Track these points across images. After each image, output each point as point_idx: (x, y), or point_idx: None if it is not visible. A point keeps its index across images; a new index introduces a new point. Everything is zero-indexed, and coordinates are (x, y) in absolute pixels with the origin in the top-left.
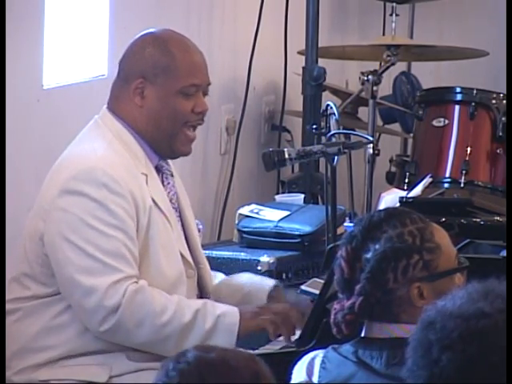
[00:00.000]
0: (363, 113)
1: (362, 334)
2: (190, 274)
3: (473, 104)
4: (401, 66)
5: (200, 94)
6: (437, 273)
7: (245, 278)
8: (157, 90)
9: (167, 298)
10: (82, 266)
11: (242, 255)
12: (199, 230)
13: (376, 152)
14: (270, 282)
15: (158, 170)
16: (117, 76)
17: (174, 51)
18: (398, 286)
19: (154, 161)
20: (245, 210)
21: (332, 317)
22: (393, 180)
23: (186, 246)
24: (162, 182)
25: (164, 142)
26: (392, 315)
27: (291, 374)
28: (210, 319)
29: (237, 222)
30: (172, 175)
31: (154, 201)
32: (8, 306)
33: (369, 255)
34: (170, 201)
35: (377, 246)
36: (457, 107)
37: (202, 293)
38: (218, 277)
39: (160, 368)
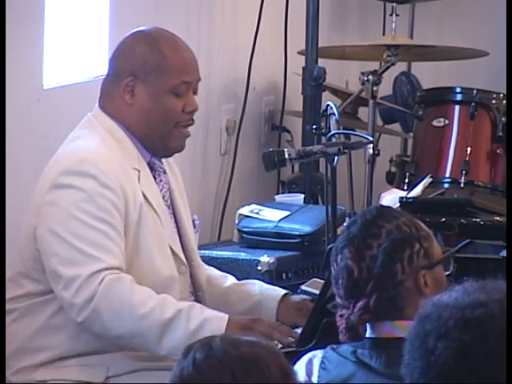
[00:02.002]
0: (363, 113)
1: None
2: (182, 271)
3: (473, 104)
4: (401, 66)
5: (190, 93)
6: (435, 260)
7: (255, 286)
8: (147, 89)
9: (149, 293)
10: (64, 258)
11: (242, 255)
12: (195, 226)
13: (376, 152)
14: (280, 292)
15: (151, 166)
16: (107, 74)
17: (164, 49)
18: (405, 276)
19: (147, 157)
20: (245, 210)
21: (343, 323)
22: (393, 180)
23: (178, 242)
24: (155, 179)
25: (156, 140)
26: (396, 311)
27: None
28: (195, 321)
29: (237, 221)
30: (164, 172)
31: (145, 197)
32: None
33: (374, 251)
34: (163, 198)
35: (380, 241)
36: (457, 107)
37: (196, 289)
38: (229, 280)
39: (184, 355)
